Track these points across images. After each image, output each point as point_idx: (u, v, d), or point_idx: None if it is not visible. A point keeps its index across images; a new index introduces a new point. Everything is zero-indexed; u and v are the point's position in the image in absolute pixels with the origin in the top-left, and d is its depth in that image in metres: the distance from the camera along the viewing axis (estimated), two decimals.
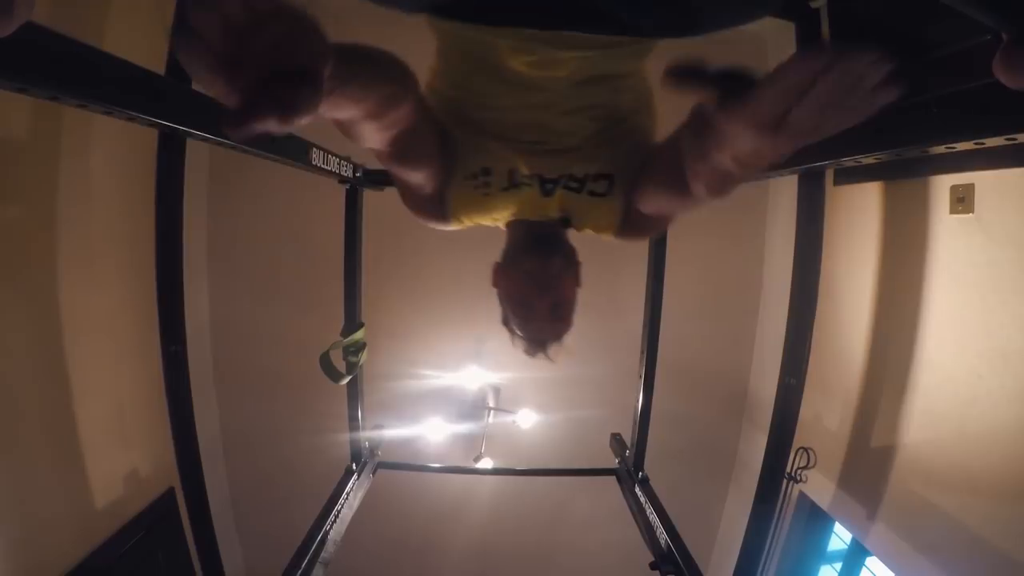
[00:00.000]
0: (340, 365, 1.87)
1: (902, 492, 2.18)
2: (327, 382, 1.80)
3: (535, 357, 1.12)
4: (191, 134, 1.05)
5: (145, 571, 2.45)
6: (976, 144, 0.81)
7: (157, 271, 2.40)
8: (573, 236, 1.12)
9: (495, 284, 1.11)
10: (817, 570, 2.79)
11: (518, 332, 1.08)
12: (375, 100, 0.69)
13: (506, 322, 1.10)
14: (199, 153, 2.81)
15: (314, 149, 1.63)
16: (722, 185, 0.70)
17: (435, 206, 1.09)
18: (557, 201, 1.05)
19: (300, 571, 1.64)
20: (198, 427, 2.50)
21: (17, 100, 1.84)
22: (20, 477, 1.97)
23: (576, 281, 1.08)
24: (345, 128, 0.74)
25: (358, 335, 1.96)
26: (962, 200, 1.93)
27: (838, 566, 2.67)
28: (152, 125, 0.94)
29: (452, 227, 1.13)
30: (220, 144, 1.20)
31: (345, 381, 1.86)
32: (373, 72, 0.67)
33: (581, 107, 1.00)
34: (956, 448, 1.96)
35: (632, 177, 1.02)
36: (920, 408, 2.12)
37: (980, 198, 1.88)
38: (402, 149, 0.86)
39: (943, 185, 2.01)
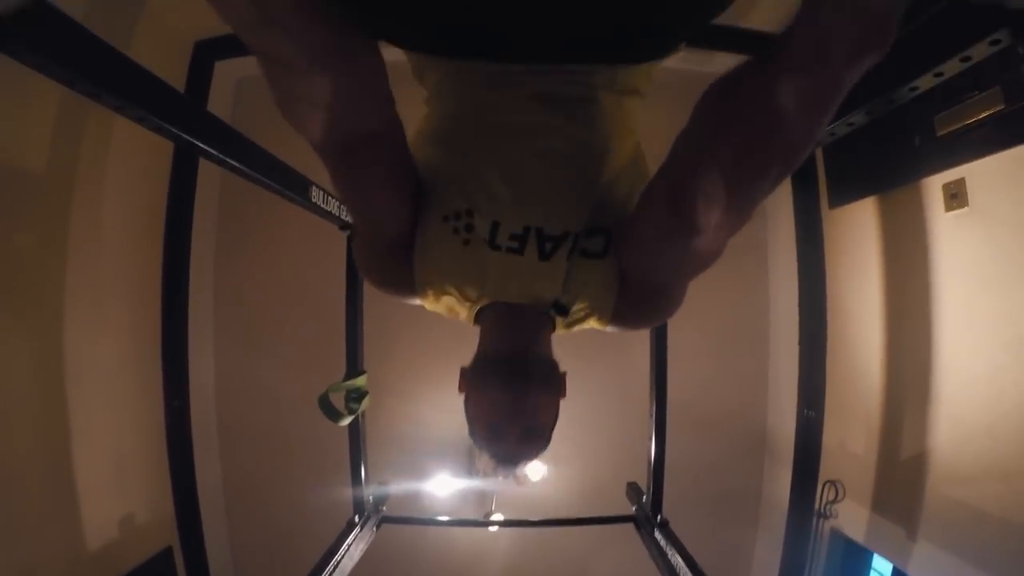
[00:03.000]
0: (340, 407, 1.84)
1: (939, 503, 2.08)
2: (333, 440, 1.76)
3: (502, 478, 0.99)
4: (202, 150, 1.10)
5: None
6: (935, 76, 0.84)
7: (162, 323, 2.41)
8: None
9: (461, 390, 0.92)
10: None
11: (484, 450, 0.91)
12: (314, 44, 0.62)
13: (474, 439, 0.92)
14: (208, 205, 2.88)
15: (314, 188, 1.67)
16: (724, 193, 0.65)
17: (400, 262, 0.90)
18: (552, 272, 0.86)
19: None
20: (199, 482, 2.43)
21: (37, 128, 1.94)
22: (12, 519, 1.92)
23: (557, 396, 0.91)
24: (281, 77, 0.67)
25: (359, 381, 1.94)
26: (955, 196, 1.93)
27: None
28: (163, 132, 1.03)
29: (420, 299, 0.95)
30: (223, 164, 1.23)
31: (345, 422, 1.82)
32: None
33: (558, 128, 0.85)
34: (989, 447, 1.88)
35: (625, 235, 0.87)
36: (946, 414, 2.05)
37: (972, 191, 1.88)
38: (356, 138, 0.75)
39: (935, 186, 2.01)
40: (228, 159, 1.20)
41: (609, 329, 0.97)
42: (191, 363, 2.41)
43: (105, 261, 2.33)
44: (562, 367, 0.92)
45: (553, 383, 0.89)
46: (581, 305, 0.90)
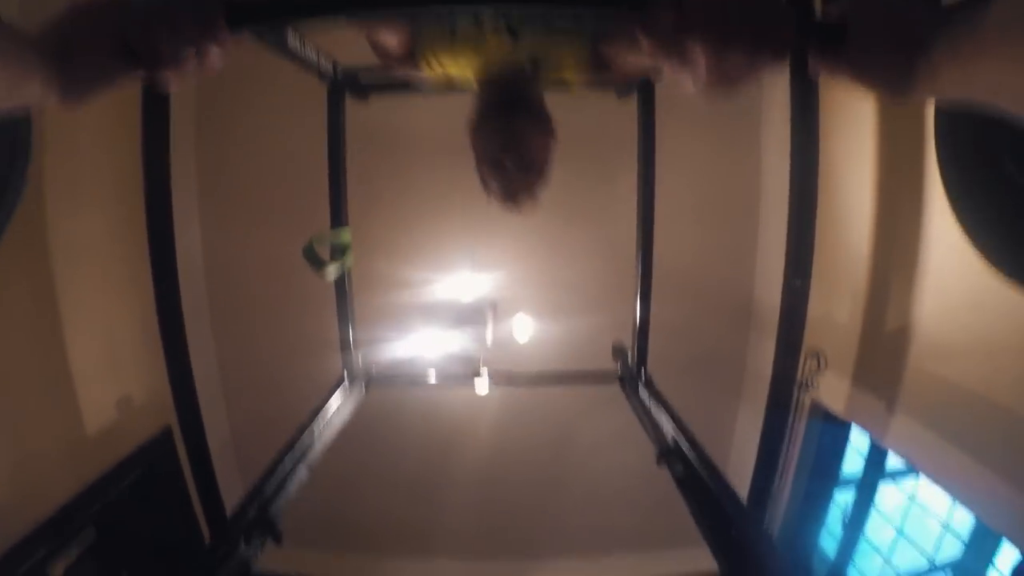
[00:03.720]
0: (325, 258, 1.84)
1: (921, 378, 2.11)
2: (323, 305, 1.77)
3: (510, 210, 1.14)
4: None
5: (143, 508, 2.42)
6: None
7: (146, 199, 2.37)
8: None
9: (468, 135, 1.13)
10: (834, 486, 2.70)
11: (490, 186, 1.11)
12: None
13: (482, 180, 1.13)
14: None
15: (290, 32, 1.60)
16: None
17: (404, 44, 1.11)
18: (523, 45, 1.06)
19: (285, 468, 1.59)
20: (193, 359, 2.46)
21: None
22: (9, 407, 1.95)
23: (546, 135, 1.10)
24: None
25: (343, 235, 1.93)
26: None
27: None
28: None
29: (423, 70, 1.13)
30: None
31: (331, 275, 1.82)
32: None
33: None
34: (973, 321, 1.88)
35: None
36: (932, 284, 2.05)
37: None
38: None
39: None
40: None
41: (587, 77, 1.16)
42: (177, 238, 2.40)
43: (82, 137, 2.27)
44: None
45: (542, 117, 1.09)
46: (554, 59, 1.09)
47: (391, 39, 1.09)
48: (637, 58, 1.06)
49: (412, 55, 1.13)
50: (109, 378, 2.45)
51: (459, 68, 1.13)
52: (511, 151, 1.05)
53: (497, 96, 1.09)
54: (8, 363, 1.97)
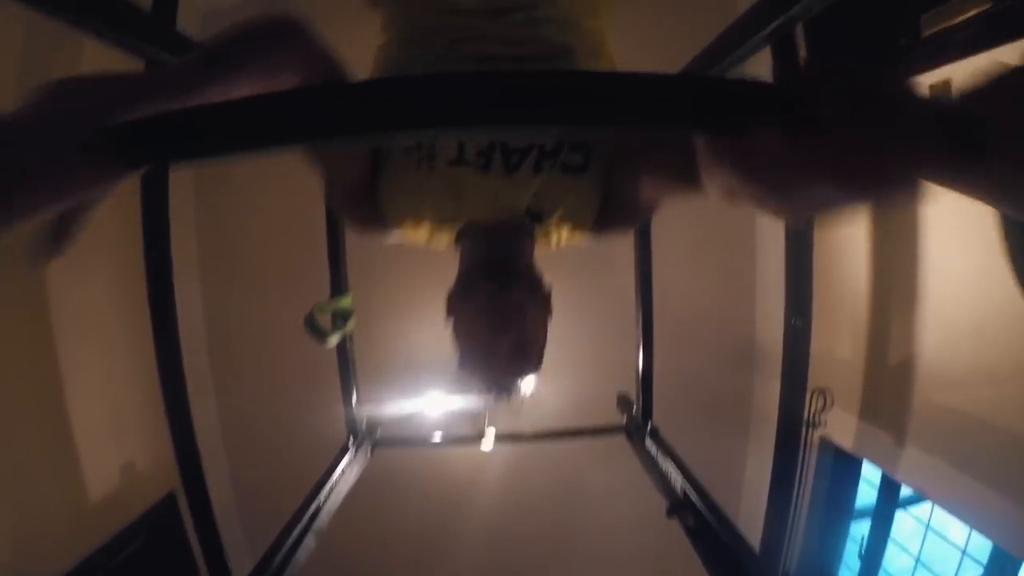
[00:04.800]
0: (327, 328, 1.84)
1: (927, 409, 2.12)
2: (325, 367, 1.76)
3: (496, 404, 0.93)
4: None
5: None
6: None
7: (146, 265, 2.39)
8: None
9: (448, 314, 0.91)
10: (848, 520, 2.66)
11: (475, 375, 0.88)
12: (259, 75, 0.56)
13: (462, 364, 0.89)
14: None
15: None
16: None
17: (368, 200, 0.90)
18: (521, 184, 0.86)
19: (293, 538, 1.57)
20: (196, 423, 2.45)
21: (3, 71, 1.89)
22: (13, 474, 1.94)
23: (544, 312, 0.90)
24: None
25: (344, 301, 1.93)
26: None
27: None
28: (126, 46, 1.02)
29: (400, 232, 0.94)
30: None
31: (333, 343, 1.82)
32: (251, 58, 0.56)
33: (527, 37, 0.85)
34: (976, 349, 1.90)
35: (609, 151, 0.88)
36: (933, 316, 2.06)
37: (958, 92, 1.84)
38: None
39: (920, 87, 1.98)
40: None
41: (587, 241, 0.98)
42: (178, 303, 2.41)
43: None
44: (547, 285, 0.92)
45: (539, 294, 0.88)
46: (559, 217, 0.90)
47: (350, 177, 0.87)
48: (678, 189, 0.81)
49: (379, 214, 0.91)
50: (112, 444, 2.44)
51: (433, 223, 0.92)
52: (504, 334, 0.82)
53: (488, 257, 0.87)
54: (12, 430, 1.97)
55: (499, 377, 0.87)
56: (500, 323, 0.82)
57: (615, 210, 0.92)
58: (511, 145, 0.84)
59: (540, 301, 0.88)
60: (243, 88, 0.52)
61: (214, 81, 0.48)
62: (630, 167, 0.87)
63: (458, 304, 0.88)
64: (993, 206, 0.40)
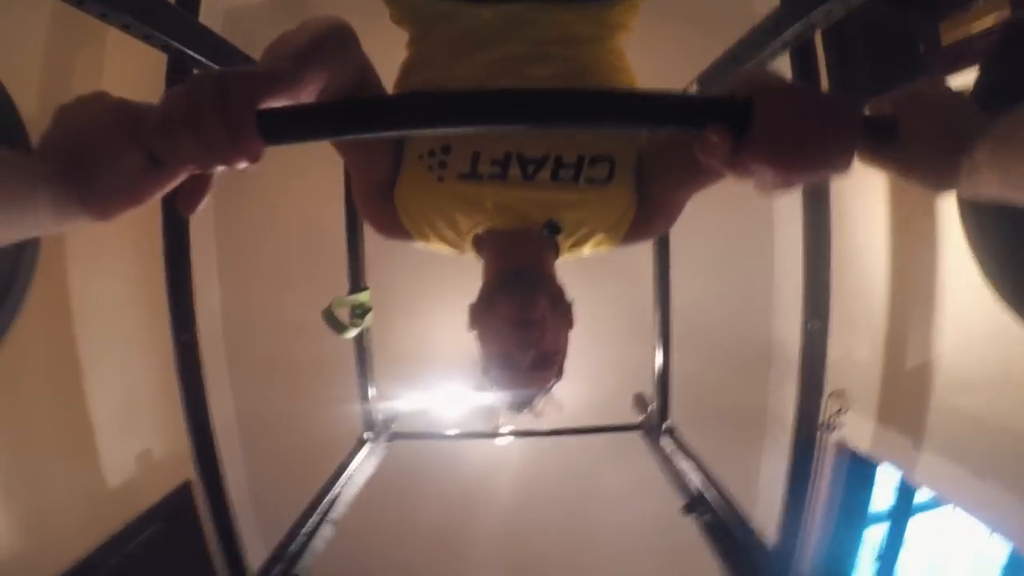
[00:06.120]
0: (344, 322, 1.85)
1: (945, 412, 2.10)
2: (342, 362, 1.78)
3: (519, 413, 0.95)
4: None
5: (163, 563, 2.41)
6: None
7: (165, 258, 2.42)
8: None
9: (471, 327, 0.92)
10: (863, 524, 2.65)
11: (498, 386, 0.89)
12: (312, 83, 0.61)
13: (486, 374, 0.90)
14: None
15: None
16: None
17: (386, 201, 0.92)
18: (539, 194, 0.87)
19: (309, 526, 1.59)
20: (213, 414, 2.48)
21: (28, 63, 1.92)
22: (31, 461, 1.96)
23: (567, 324, 0.90)
24: None
25: (363, 296, 1.95)
26: None
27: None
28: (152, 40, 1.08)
29: (418, 239, 0.96)
30: None
31: (350, 335, 1.84)
32: (309, 66, 0.60)
33: (548, 54, 0.88)
34: (993, 353, 1.88)
35: (635, 158, 0.89)
36: (951, 319, 2.05)
37: None
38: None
39: None
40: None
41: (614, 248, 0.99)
42: (196, 296, 2.44)
43: None
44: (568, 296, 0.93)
45: (561, 304, 0.89)
46: (584, 228, 0.91)
47: (373, 171, 0.90)
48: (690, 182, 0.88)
49: (393, 214, 0.93)
50: (129, 433, 2.47)
51: (449, 230, 0.93)
52: (527, 347, 0.82)
53: (509, 269, 0.87)
54: (30, 418, 1.99)
55: (522, 388, 0.88)
56: (523, 336, 0.82)
57: (653, 213, 0.93)
58: (527, 155, 0.84)
59: (562, 313, 0.88)
60: (320, 83, 0.61)
61: (306, 80, 0.57)
62: (659, 167, 0.89)
63: (480, 312, 0.88)
64: (907, 183, 0.55)
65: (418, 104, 0.56)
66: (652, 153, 0.89)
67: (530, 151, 0.84)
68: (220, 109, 0.44)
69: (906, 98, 0.54)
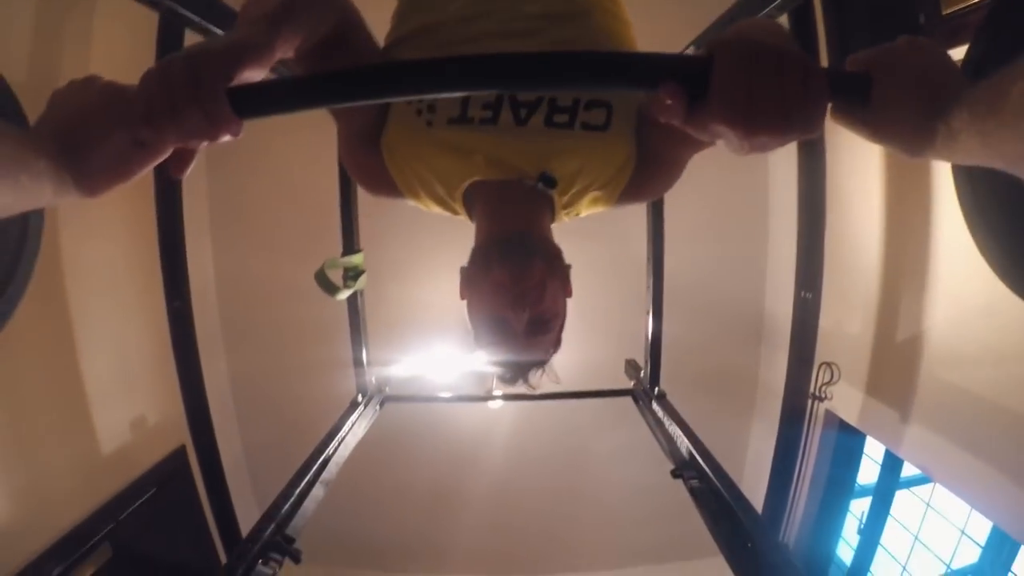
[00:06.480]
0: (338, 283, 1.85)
1: (933, 386, 2.11)
2: (335, 326, 1.77)
3: (513, 385, 0.89)
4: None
5: (158, 527, 2.43)
6: None
7: (158, 223, 2.40)
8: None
9: (463, 296, 0.86)
10: (849, 495, 2.68)
11: (492, 356, 0.83)
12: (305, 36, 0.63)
13: (479, 342, 0.84)
14: None
15: None
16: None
17: (373, 152, 0.86)
18: (532, 142, 0.81)
19: (302, 487, 1.60)
20: (207, 380, 2.48)
21: (16, 36, 1.89)
22: (26, 427, 1.97)
23: (564, 288, 0.84)
24: None
25: (356, 259, 1.94)
26: None
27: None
28: None
29: (409, 196, 0.91)
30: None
31: (343, 296, 1.83)
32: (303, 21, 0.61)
33: None
34: (985, 327, 1.88)
35: (633, 106, 0.84)
36: (943, 293, 2.05)
37: None
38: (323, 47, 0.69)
39: None
40: (212, 27, 1.19)
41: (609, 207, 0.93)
42: (190, 262, 2.43)
43: None
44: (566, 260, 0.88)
45: (557, 267, 0.83)
46: (580, 181, 0.86)
47: (359, 122, 0.86)
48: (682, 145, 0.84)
49: (381, 165, 0.88)
50: (123, 399, 2.47)
51: (438, 181, 0.87)
52: (522, 311, 0.77)
53: (504, 234, 0.81)
54: (25, 384, 1.99)
55: (518, 355, 0.82)
56: (519, 299, 0.77)
57: (652, 170, 0.88)
58: (520, 98, 0.80)
59: (558, 272, 0.83)
60: (297, 41, 0.61)
61: (279, 43, 0.56)
62: (658, 123, 0.86)
63: (472, 277, 0.83)
64: (879, 144, 0.52)
65: (376, 76, 0.55)
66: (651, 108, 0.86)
67: (523, 93, 0.79)
68: (194, 96, 0.45)
69: (883, 56, 0.50)
